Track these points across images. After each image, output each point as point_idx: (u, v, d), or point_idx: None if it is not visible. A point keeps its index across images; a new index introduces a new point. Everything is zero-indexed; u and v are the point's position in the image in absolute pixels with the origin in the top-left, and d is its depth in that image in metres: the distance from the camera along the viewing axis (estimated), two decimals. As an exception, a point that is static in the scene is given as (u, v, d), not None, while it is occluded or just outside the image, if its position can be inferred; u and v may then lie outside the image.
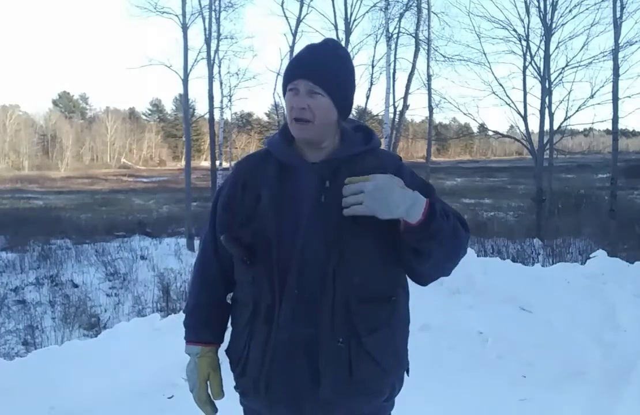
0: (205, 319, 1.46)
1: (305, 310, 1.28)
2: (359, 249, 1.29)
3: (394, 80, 15.85)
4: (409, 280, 1.42)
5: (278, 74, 15.83)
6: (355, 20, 15.75)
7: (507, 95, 14.77)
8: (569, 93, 14.13)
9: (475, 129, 30.40)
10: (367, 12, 15.91)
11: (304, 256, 1.28)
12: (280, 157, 1.37)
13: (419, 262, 1.30)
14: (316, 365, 1.29)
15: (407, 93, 15.74)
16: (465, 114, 15.48)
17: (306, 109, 1.30)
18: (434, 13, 15.91)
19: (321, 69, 1.32)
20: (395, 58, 15.90)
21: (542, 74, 14.07)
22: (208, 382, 1.43)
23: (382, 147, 1.49)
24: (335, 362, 1.29)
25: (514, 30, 14.60)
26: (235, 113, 41.09)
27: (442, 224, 1.24)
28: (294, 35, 15.98)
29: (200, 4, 16.11)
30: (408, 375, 1.45)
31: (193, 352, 1.44)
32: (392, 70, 15.71)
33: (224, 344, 1.47)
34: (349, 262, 1.28)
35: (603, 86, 13.58)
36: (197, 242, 12.08)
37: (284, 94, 1.36)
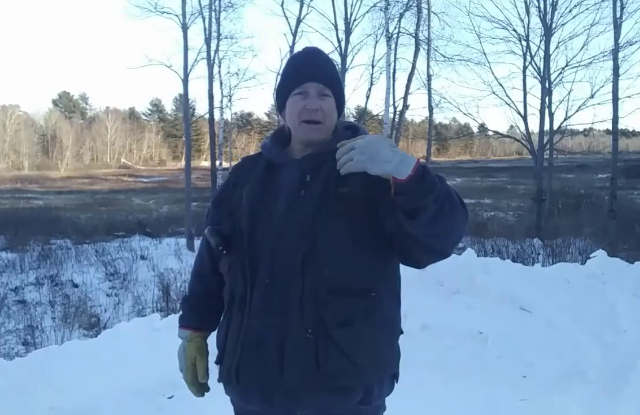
0: (196, 307, 1.53)
1: (276, 299, 1.30)
2: (331, 240, 1.29)
3: (394, 80, 15.89)
4: (397, 278, 1.39)
5: (278, 74, 15.79)
6: (355, 20, 15.79)
7: (507, 95, 14.83)
8: (569, 93, 14.19)
9: (475, 129, 30.33)
10: (367, 12, 15.97)
11: (276, 247, 1.31)
12: (269, 156, 1.44)
13: (415, 225, 1.21)
14: (283, 355, 1.29)
15: (407, 93, 15.78)
16: (465, 114, 15.50)
17: (319, 111, 1.35)
18: (434, 13, 15.97)
19: (328, 72, 1.40)
20: (395, 58, 15.95)
21: (542, 74, 14.08)
22: (196, 366, 1.48)
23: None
24: (302, 353, 1.28)
25: (514, 30, 14.64)
26: (235, 113, 41.17)
27: (434, 179, 1.20)
28: (294, 35, 16.00)
29: (200, 4, 16.13)
30: (397, 382, 1.41)
31: (183, 336, 1.51)
32: (392, 70, 15.73)
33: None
34: (320, 252, 1.28)
35: (603, 86, 13.65)
36: (197, 242, 12.08)
37: (285, 98, 1.40)
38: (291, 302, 1.29)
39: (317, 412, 1.33)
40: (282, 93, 1.41)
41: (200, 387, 1.49)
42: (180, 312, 1.57)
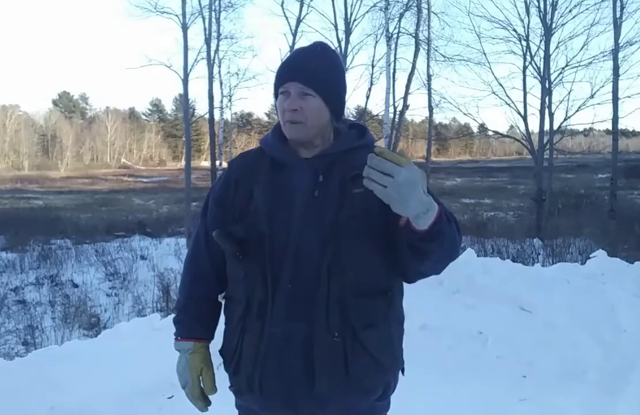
0: (197, 315, 1.45)
1: (300, 305, 1.28)
2: (353, 243, 1.28)
3: (394, 80, 15.89)
4: None
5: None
6: (355, 20, 15.76)
7: (507, 95, 14.78)
8: (569, 93, 14.12)
9: (475, 129, 30.32)
10: (367, 12, 15.93)
11: (298, 251, 1.29)
12: (274, 154, 1.38)
13: (415, 260, 1.25)
14: (310, 361, 1.28)
15: (407, 93, 15.76)
16: (465, 114, 15.47)
17: (298, 111, 1.32)
18: (434, 13, 15.94)
19: (311, 71, 1.33)
20: (395, 58, 15.93)
21: (542, 74, 14.06)
22: (200, 378, 1.42)
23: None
24: (331, 357, 1.28)
25: (514, 30, 14.61)
26: (235, 113, 41.14)
27: (444, 228, 1.19)
28: (294, 35, 15.99)
29: (200, 4, 16.12)
30: (403, 374, 1.43)
31: (184, 349, 1.44)
32: (392, 70, 15.74)
33: (216, 343, 1.46)
34: (344, 257, 1.27)
35: (603, 86, 13.61)
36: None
37: (276, 97, 1.38)
38: (317, 307, 1.27)
39: (340, 413, 1.34)
40: (273, 91, 1.40)
41: (206, 401, 1.44)
42: (177, 322, 1.47)
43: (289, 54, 1.45)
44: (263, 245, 1.29)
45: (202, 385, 1.43)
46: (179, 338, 1.45)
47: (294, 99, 1.32)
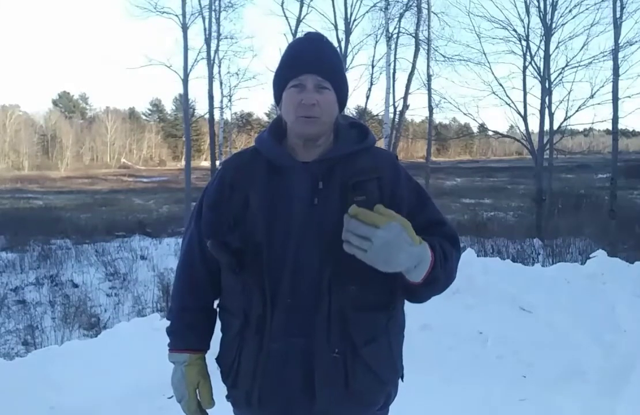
0: (193, 325, 1.38)
1: (299, 320, 1.23)
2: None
3: (394, 80, 15.89)
4: None
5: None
6: (355, 20, 15.76)
7: (507, 95, 14.78)
8: (569, 93, 14.11)
9: (475, 129, 30.41)
10: (367, 12, 15.94)
11: (297, 263, 1.23)
12: (270, 157, 1.30)
13: (408, 297, 1.27)
14: (310, 377, 1.24)
15: (407, 93, 15.76)
16: (465, 114, 15.50)
17: (316, 105, 1.24)
18: (434, 13, 15.94)
19: (327, 63, 1.27)
20: (395, 58, 15.93)
21: (542, 74, 14.06)
22: (197, 391, 1.37)
23: (382, 147, 1.46)
24: (331, 374, 1.24)
25: (514, 30, 14.61)
26: (235, 113, 41.15)
27: (439, 275, 1.18)
28: (294, 35, 15.95)
29: (200, 4, 16.14)
30: (402, 381, 1.41)
31: (179, 361, 1.37)
32: (392, 70, 15.73)
33: (213, 351, 1.42)
34: (345, 269, 1.20)
35: (603, 86, 13.59)
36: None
37: (281, 90, 1.30)
38: (317, 322, 1.22)
39: None
40: (279, 84, 1.30)
41: (203, 414, 1.38)
42: (171, 332, 1.40)
43: (293, 45, 1.33)
44: (260, 256, 1.23)
45: (199, 398, 1.37)
46: (174, 349, 1.39)
47: (310, 93, 1.24)
